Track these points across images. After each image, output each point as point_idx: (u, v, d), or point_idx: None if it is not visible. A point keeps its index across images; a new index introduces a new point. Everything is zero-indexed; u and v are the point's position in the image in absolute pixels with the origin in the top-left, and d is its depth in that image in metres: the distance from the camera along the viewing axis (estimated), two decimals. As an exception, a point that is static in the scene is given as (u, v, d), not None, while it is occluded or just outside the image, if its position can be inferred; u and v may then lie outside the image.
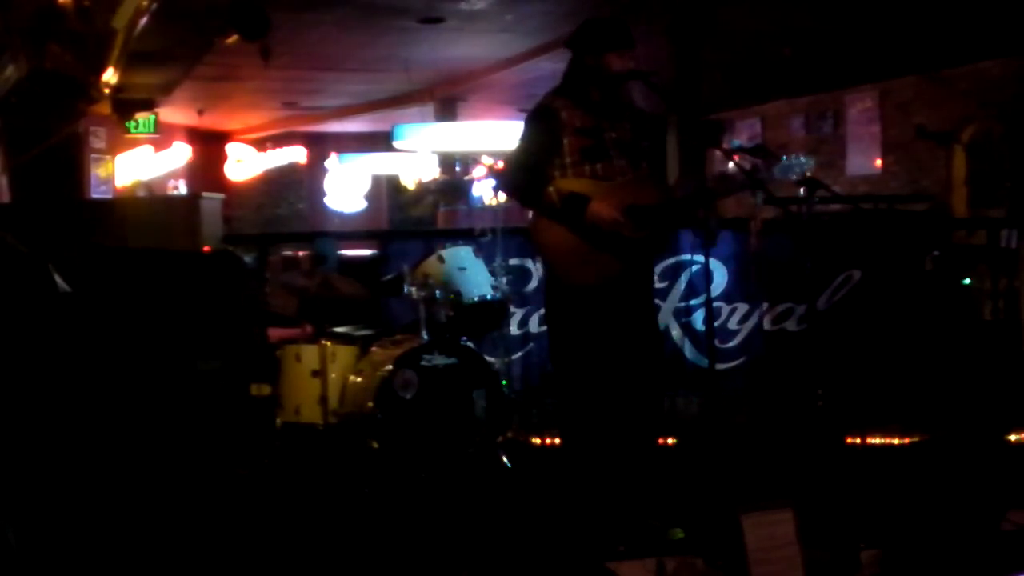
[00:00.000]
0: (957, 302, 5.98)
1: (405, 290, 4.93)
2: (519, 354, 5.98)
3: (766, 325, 6.04)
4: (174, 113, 15.44)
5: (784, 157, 4.12)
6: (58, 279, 3.69)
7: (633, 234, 3.89)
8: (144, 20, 8.16)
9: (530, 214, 4.12)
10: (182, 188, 16.34)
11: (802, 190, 4.42)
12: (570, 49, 4.07)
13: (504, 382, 5.01)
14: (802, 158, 4.09)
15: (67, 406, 3.71)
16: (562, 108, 3.95)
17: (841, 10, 9.03)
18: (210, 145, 17.80)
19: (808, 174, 4.20)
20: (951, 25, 9.19)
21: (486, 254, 5.28)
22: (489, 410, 4.84)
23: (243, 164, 18.30)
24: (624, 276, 3.96)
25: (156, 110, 14.11)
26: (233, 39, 8.10)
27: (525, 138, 4.01)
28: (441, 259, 5.02)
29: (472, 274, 5.04)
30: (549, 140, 3.93)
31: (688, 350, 6.03)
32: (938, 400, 5.49)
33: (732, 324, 6.05)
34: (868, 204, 7.15)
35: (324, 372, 4.88)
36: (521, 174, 3.98)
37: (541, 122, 3.98)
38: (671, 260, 5.94)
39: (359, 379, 4.88)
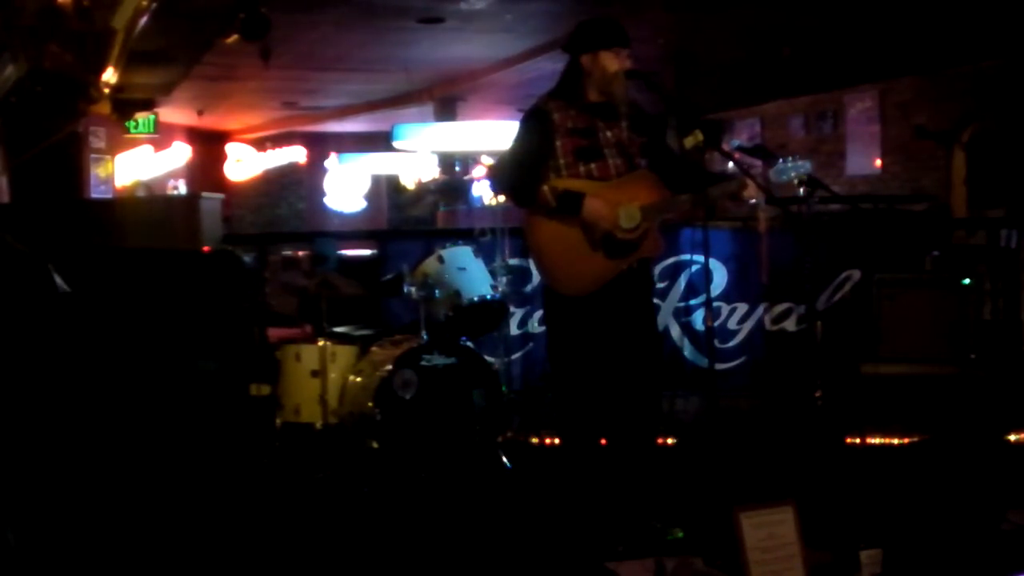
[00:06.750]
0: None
1: (405, 290, 4.93)
2: (519, 354, 5.99)
3: (766, 325, 6.05)
4: (174, 113, 15.44)
5: (781, 160, 4.10)
6: (58, 279, 3.69)
7: (626, 235, 3.89)
8: (144, 20, 8.17)
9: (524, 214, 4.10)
10: (182, 188, 16.35)
11: (802, 190, 4.43)
12: (566, 52, 4.06)
13: (503, 382, 5.01)
14: (800, 160, 4.07)
15: (67, 406, 3.71)
16: (555, 110, 3.93)
17: (841, 10, 9.03)
18: (210, 145, 17.81)
19: (804, 178, 4.19)
20: (951, 25, 9.19)
21: (486, 254, 5.27)
22: (489, 410, 4.84)
23: (243, 164, 18.31)
24: (618, 280, 3.93)
25: (156, 110, 14.13)
26: (233, 39, 8.11)
27: (518, 138, 3.99)
28: (441, 259, 5.02)
29: (472, 274, 5.03)
30: (542, 141, 3.91)
31: (688, 350, 6.04)
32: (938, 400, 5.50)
33: (732, 324, 6.06)
34: (868, 204, 7.15)
35: (324, 372, 4.88)
36: (515, 173, 3.96)
37: (534, 123, 3.95)
38: (671, 260, 5.95)
39: (359, 379, 4.88)
